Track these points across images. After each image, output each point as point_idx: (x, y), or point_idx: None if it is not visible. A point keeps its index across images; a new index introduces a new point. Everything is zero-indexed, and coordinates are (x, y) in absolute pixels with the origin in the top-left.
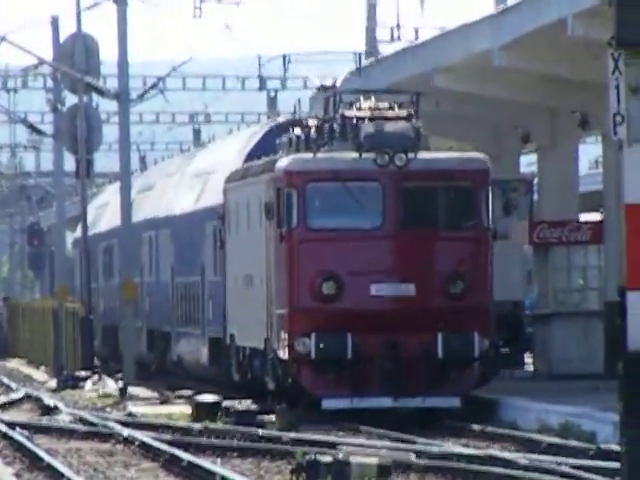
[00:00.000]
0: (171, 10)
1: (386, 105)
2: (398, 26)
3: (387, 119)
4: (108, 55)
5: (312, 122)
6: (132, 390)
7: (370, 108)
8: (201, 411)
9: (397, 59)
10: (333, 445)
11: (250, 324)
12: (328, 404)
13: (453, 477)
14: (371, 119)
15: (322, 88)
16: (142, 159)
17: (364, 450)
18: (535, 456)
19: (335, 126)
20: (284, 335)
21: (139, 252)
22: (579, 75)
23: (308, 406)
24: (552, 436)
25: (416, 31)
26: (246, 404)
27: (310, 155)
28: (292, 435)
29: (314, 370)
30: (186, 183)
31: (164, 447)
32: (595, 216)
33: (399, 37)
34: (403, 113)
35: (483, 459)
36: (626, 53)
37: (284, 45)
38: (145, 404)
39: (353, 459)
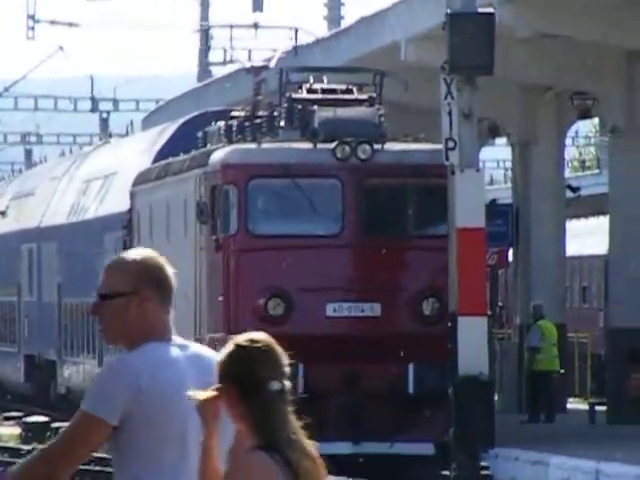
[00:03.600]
0: (3, 30)
1: (342, 87)
2: (231, 48)
3: (346, 103)
4: None
5: (239, 113)
6: None
7: (324, 90)
8: (30, 432)
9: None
10: None
11: None
12: None
13: None
14: (326, 103)
15: (252, 69)
16: None
17: None
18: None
19: (278, 112)
20: None
21: (16, 267)
22: (412, 100)
23: None
24: None
25: (249, 53)
26: None
27: (253, 145)
28: None
29: None
30: (76, 188)
31: None
32: None
33: (232, 59)
34: (364, 96)
35: None
36: (459, 78)
37: (117, 66)
38: None
39: None
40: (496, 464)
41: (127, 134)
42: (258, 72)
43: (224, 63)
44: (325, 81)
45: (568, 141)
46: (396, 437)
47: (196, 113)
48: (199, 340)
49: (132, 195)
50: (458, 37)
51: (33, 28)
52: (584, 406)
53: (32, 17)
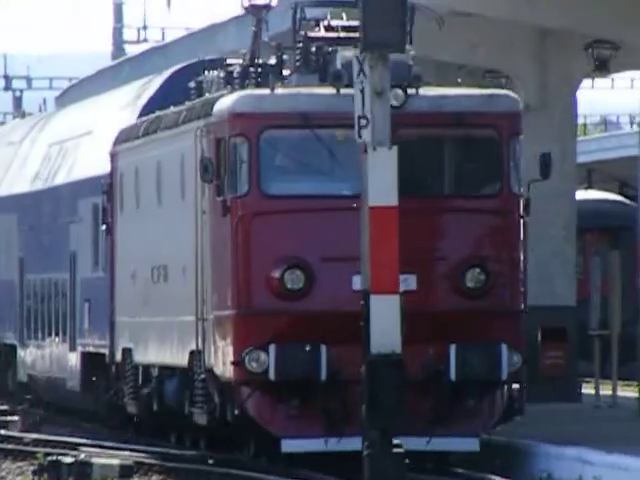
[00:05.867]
0: None
1: None
2: (145, 27)
3: None
4: None
5: (236, 61)
6: None
7: (344, 27)
8: None
9: None
10: (75, 446)
11: (162, 333)
12: (291, 446)
13: (196, 477)
14: (348, 42)
15: (251, 8)
16: None
17: (106, 451)
18: None
19: (289, 55)
20: (228, 347)
21: None
22: None
23: (261, 447)
24: None
25: (163, 32)
26: None
27: (266, 91)
28: (34, 436)
29: (272, 397)
30: (41, 153)
31: None
32: None
33: (145, 38)
34: None
35: (226, 462)
36: (371, 56)
37: (30, 45)
38: None
39: (95, 460)
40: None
41: (40, 112)
42: (257, 11)
43: (138, 42)
44: (344, 18)
45: None
46: (435, 431)
47: (186, 63)
48: (203, 320)
49: (114, 155)
50: (370, 15)
51: None
52: None
53: None
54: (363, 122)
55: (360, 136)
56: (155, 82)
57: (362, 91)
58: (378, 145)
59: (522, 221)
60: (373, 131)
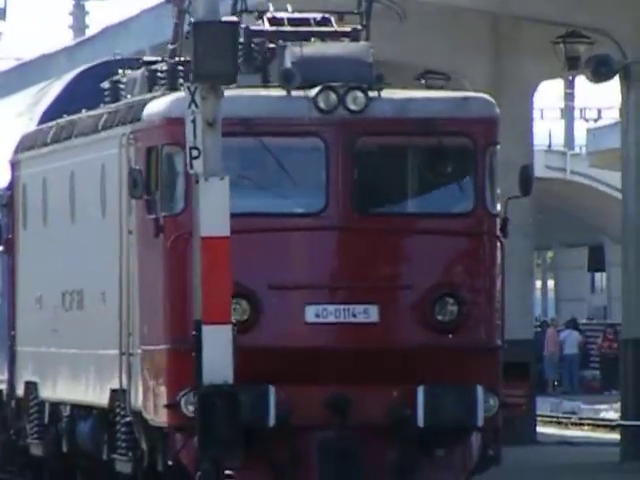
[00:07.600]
0: None
1: (316, 16)
2: None
3: (324, 37)
4: None
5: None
6: None
7: (292, 20)
8: None
9: None
10: None
11: (75, 367)
12: None
13: None
14: (296, 37)
15: None
16: None
17: None
18: None
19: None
20: (160, 387)
21: None
22: None
23: None
24: None
25: None
26: None
27: None
28: None
29: None
30: None
31: None
32: None
33: None
34: (346, 28)
35: None
36: (202, 87)
37: None
38: None
39: None
40: None
41: None
42: (180, 2)
43: None
44: (289, 9)
45: None
46: None
47: (92, 63)
48: (128, 355)
49: (14, 164)
50: (202, 46)
51: None
52: None
53: None
54: (195, 153)
55: (192, 167)
56: (56, 86)
57: (194, 122)
58: (210, 176)
59: (499, 244)
60: (205, 162)
